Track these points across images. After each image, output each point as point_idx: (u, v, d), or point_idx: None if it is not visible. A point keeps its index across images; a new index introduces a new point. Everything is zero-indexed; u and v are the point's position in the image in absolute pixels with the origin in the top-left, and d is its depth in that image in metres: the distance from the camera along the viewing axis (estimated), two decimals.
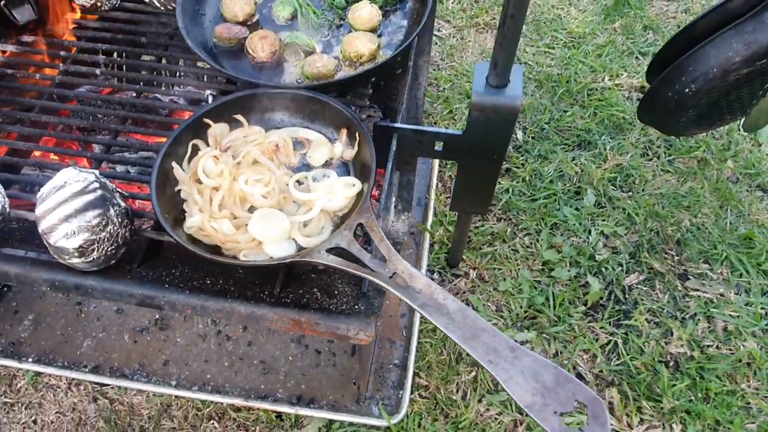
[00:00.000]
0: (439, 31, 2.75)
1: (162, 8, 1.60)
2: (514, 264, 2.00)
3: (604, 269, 1.99)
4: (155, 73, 1.60)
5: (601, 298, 1.93)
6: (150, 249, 1.23)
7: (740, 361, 1.79)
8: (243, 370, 1.73)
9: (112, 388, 1.74)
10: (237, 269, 1.21)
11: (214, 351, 1.76)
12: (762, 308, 1.90)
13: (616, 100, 2.44)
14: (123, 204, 1.15)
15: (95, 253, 1.09)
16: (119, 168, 1.48)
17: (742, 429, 1.67)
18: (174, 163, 1.21)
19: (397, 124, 1.35)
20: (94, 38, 1.59)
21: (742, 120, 1.58)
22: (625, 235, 2.07)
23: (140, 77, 1.54)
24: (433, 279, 1.98)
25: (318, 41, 1.51)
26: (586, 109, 2.43)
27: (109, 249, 1.11)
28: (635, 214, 2.12)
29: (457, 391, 1.75)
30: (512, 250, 2.04)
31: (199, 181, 1.21)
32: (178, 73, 1.66)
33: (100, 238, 1.08)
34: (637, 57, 2.63)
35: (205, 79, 1.54)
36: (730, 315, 1.89)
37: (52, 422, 1.70)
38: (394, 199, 1.57)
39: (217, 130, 1.28)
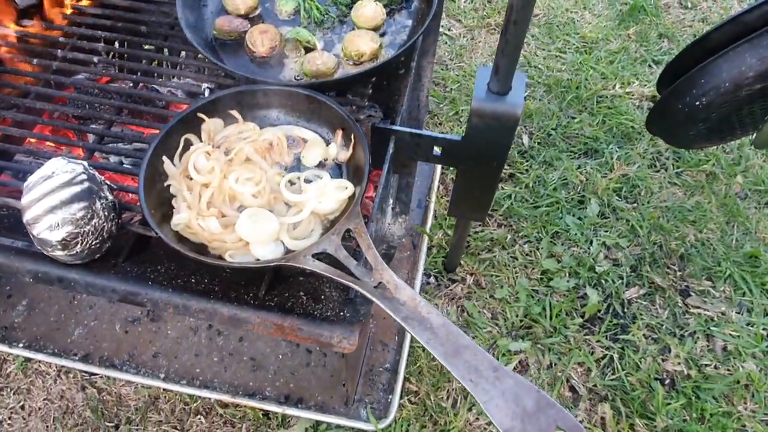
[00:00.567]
0: (449, 30, 2.71)
1: None
2: (512, 271, 1.97)
3: (603, 281, 1.95)
4: (154, 63, 1.58)
5: (599, 311, 1.90)
6: (137, 243, 1.21)
7: (738, 382, 1.75)
8: (232, 366, 1.71)
9: (101, 377, 1.73)
10: (223, 268, 1.19)
11: (204, 345, 1.75)
12: (764, 329, 1.85)
13: (626, 109, 2.39)
14: (110, 197, 1.13)
15: (78, 246, 1.07)
16: (112, 159, 1.46)
17: None
18: (165, 158, 1.19)
19: (395, 127, 1.32)
20: (94, 25, 1.57)
21: (754, 135, 1.54)
22: (628, 247, 2.03)
23: (139, 67, 1.52)
24: (429, 283, 1.95)
25: (320, 38, 1.48)
26: (595, 116, 2.38)
27: (93, 243, 1.10)
28: (639, 226, 2.07)
29: (447, 398, 1.72)
30: (511, 257, 2.00)
31: (189, 177, 1.19)
32: (177, 65, 1.64)
33: (84, 231, 1.07)
34: (650, 65, 2.57)
35: (205, 72, 1.51)
36: (730, 334, 1.84)
37: (39, 409, 1.70)
38: (391, 201, 1.54)
39: (211, 125, 1.26)
